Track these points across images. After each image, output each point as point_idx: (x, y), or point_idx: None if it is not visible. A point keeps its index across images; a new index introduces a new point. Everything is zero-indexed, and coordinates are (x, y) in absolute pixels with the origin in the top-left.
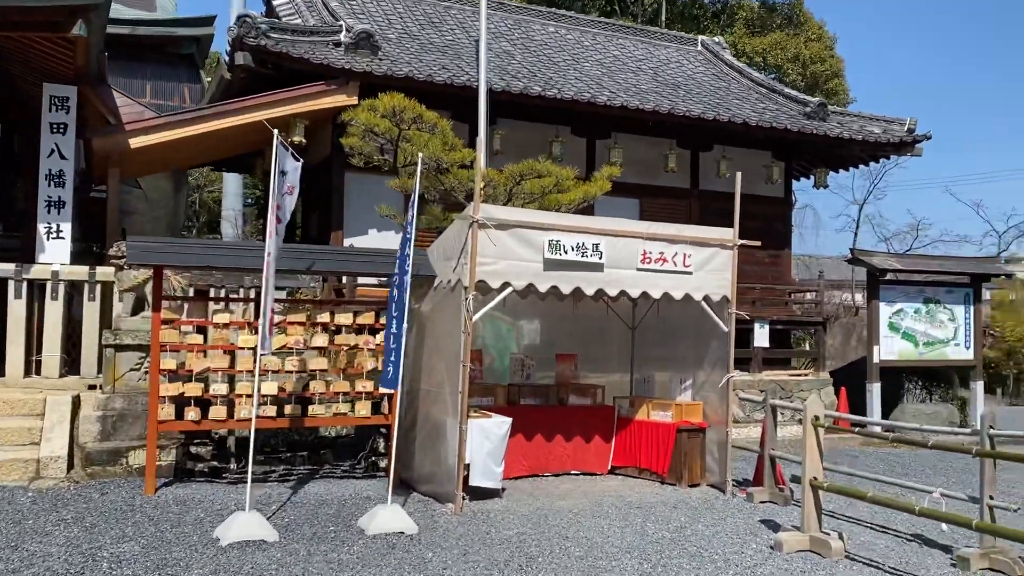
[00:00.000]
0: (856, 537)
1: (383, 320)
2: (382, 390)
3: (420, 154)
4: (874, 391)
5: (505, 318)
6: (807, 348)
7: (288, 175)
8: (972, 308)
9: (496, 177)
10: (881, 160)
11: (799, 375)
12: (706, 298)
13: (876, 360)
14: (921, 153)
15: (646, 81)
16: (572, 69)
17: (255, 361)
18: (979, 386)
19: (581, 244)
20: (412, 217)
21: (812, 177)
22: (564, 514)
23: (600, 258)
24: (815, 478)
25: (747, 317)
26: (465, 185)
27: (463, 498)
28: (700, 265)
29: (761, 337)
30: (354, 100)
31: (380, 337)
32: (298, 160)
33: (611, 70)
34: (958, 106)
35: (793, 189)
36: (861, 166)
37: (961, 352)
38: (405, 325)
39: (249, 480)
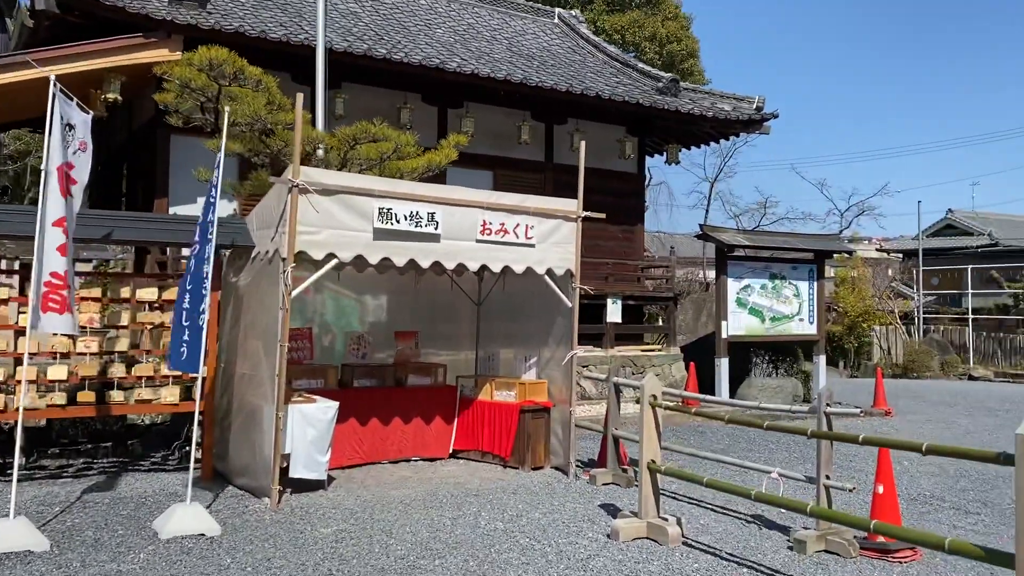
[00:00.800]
0: (696, 520)
1: None
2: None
3: (227, 109)
4: (722, 366)
5: (348, 293)
6: (660, 324)
7: (77, 129)
8: (815, 284)
9: (328, 140)
10: (731, 138)
11: (651, 350)
12: (549, 272)
13: (724, 335)
14: (769, 131)
15: (500, 51)
16: (423, 35)
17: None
18: (821, 360)
19: (415, 213)
20: (217, 179)
21: (665, 153)
22: (394, 506)
23: (436, 228)
24: (653, 461)
25: (591, 292)
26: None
27: (281, 492)
28: (543, 237)
29: (614, 313)
30: (177, 55)
31: None
32: (87, 112)
33: (464, 38)
34: (805, 88)
35: (648, 166)
36: (712, 143)
37: (805, 327)
38: (207, 299)
39: (15, 478)
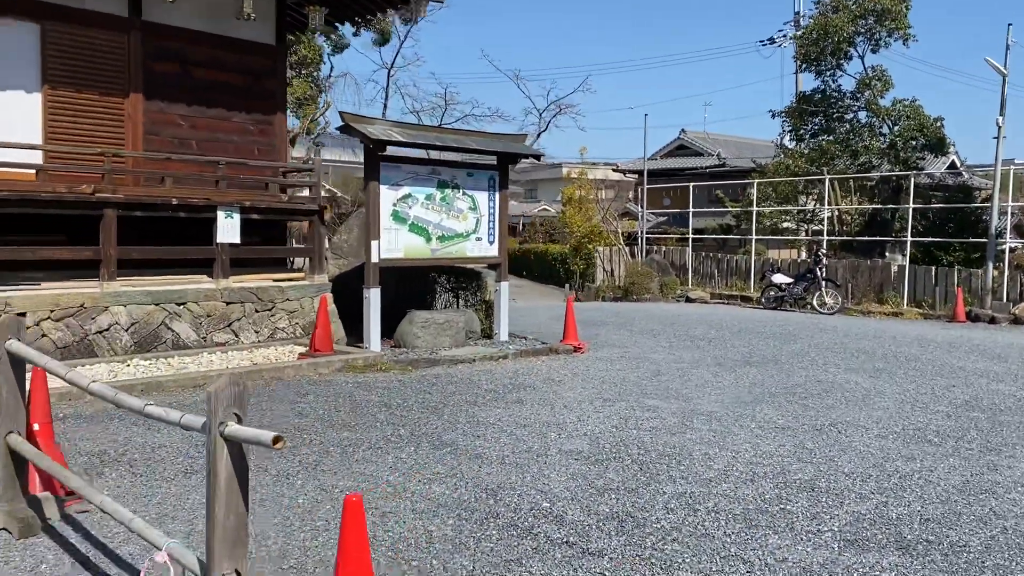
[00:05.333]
0: None
1: None
2: None
3: None
4: (372, 298)
5: None
6: (303, 246)
7: None
8: (497, 195)
9: None
10: (400, 7)
11: (287, 279)
12: None
13: (375, 259)
14: (443, 1)
15: None
16: None
17: None
18: (504, 287)
19: None
20: None
21: (308, 19)
22: None
23: None
24: None
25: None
26: None
27: None
28: None
29: (228, 230)
30: None
31: None
32: None
33: None
34: None
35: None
36: (377, 14)
37: (484, 248)
38: None
39: None
